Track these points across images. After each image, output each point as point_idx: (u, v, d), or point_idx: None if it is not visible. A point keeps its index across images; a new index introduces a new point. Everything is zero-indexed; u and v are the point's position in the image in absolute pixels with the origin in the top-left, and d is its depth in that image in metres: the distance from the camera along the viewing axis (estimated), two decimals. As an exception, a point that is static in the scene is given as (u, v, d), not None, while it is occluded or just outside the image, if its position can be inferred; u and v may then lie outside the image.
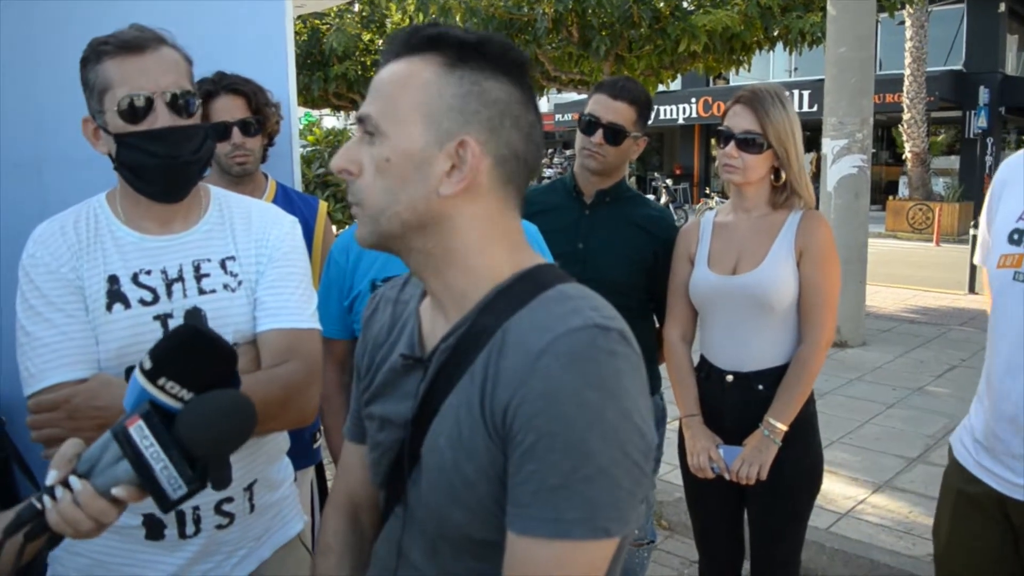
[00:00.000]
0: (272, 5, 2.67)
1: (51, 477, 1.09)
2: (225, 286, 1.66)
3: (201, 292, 1.64)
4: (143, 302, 1.60)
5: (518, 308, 1.07)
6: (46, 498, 1.07)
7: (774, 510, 2.50)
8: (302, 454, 2.70)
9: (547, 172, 26.36)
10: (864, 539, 4.04)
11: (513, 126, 1.11)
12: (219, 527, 1.67)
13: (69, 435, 1.45)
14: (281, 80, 2.69)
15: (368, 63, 13.03)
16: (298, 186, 2.86)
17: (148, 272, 1.62)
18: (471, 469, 1.05)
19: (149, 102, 1.54)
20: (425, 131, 1.07)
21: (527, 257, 1.16)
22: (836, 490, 4.56)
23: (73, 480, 1.07)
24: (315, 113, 17.19)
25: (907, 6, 12.15)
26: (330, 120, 19.53)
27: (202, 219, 1.71)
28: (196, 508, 1.63)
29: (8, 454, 2.15)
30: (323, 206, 2.77)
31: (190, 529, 1.64)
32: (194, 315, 1.62)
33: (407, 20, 11.86)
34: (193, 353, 1.08)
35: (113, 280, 1.60)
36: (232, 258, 1.69)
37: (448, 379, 1.10)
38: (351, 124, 22.35)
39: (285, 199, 2.65)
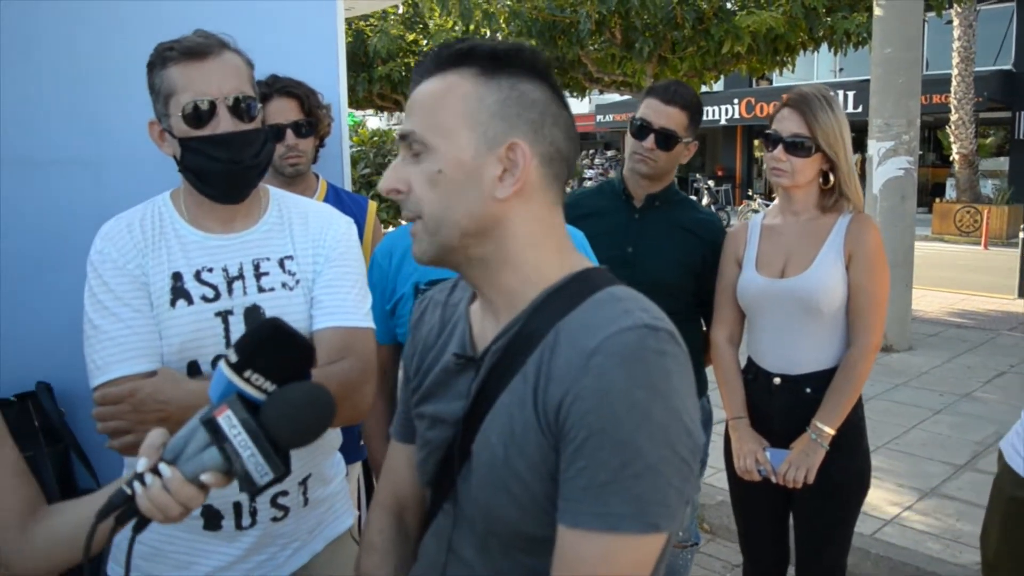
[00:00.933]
0: (324, 8, 2.72)
1: (141, 464, 1.13)
2: (283, 284, 1.71)
3: (260, 290, 1.68)
4: (205, 299, 1.65)
5: (569, 309, 1.10)
6: (136, 484, 1.12)
7: (821, 514, 2.49)
8: (351, 449, 2.75)
9: (588, 173, 26.31)
10: (910, 546, 4.00)
11: (554, 124, 1.14)
12: (274, 519, 1.71)
13: (133, 427, 1.51)
14: (332, 82, 2.74)
15: (411, 63, 13.13)
16: (348, 186, 2.91)
17: (210, 270, 1.67)
18: (523, 465, 1.08)
19: (212, 107, 1.59)
20: (473, 139, 1.10)
21: (576, 260, 1.19)
22: (881, 496, 4.52)
23: (162, 467, 1.11)
24: (358, 114, 17.32)
25: (955, 5, 11.98)
26: (374, 121, 19.69)
27: (262, 219, 1.76)
28: (253, 501, 1.68)
29: (67, 444, 2.22)
30: (372, 205, 2.81)
31: (246, 521, 1.68)
32: (253, 313, 1.66)
33: (450, 23, 11.94)
34: (276, 347, 1.12)
35: (177, 277, 1.65)
36: (290, 257, 1.73)
37: (500, 378, 1.13)
38: (394, 124, 22.52)
39: (335, 199, 2.70)
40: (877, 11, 7.93)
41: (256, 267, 1.70)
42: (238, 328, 1.65)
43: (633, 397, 0.99)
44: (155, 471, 1.12)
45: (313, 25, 2.71)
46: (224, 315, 1.65)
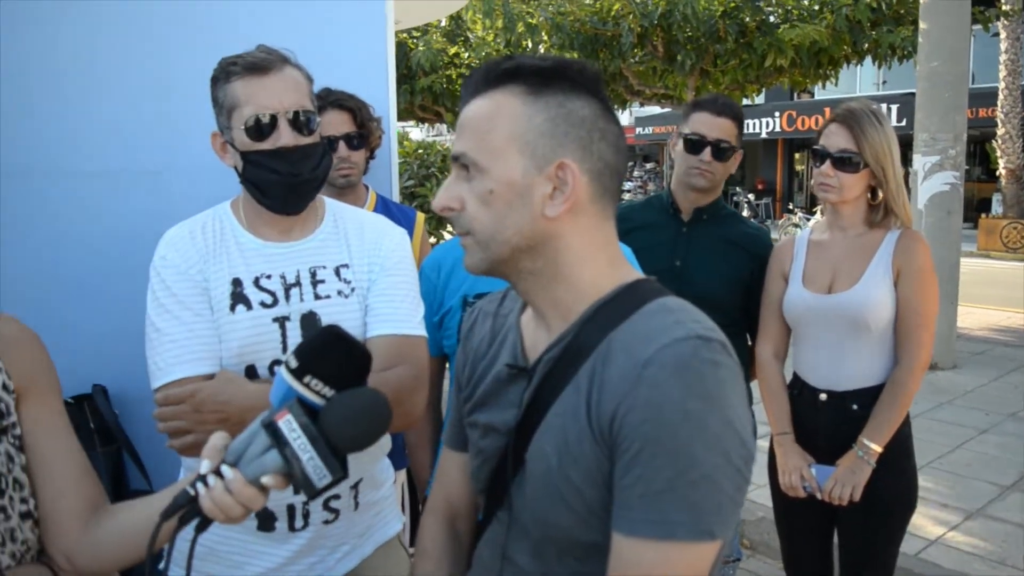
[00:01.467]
0: (374, 22, 2.76)
1: (204, 466, 1.16)
2: (339, 292, 1.74)
3: (317, 297, 1.72)
4: (263, 304, 1.69)
5: (621, 320, 1.11)
6: (199, 485, 1.15)
7: (866, 533, 2.47)
8: (396, 457, 2.78)
9: (627, 185, 26.25)
10: (955, 567, 3.93)
11: (602, 140, 1.15)
12: (325, 522, 1.74)
13: (193, 428, 1.56)
14: (382, 95, 2.78)
15: (453, 76, 13.21)
16: (396, 197, 2.95)
17: (268, 276, 1.71)
18: (577, 474, 1.09)
19: (273, 120, 1.63)
20: (522, 159, 1.12)
21: (627, 272, 1.20)
22: (926, 516, 4.45)
23: (225, 469, 1.15)
24: (399, 125, 17.47)
25: (1002, 18, 11.80)
26: (416, 133, 19.86)
27: (318, 228, 1.80)
28: (306, 503, 1.71)
29: (121, 445, 2.27)
30: (420, 217, 2.84)
31: (299, 523, 1.72)
32: (309, 319, 1.70)
33: (491, 36, 12.01)
34: (335, 354, 1.15)
35: (237, 283, 1.69)
36: (346, 266, 1.77)
37: (552, 388, 1.15)
38: (435, 136, 22.60)
39: (384, 210, 2.74)
40: (923, 24, 7.84)
41: (313, 275, 1.74)
42: (295, 333, 1.69)
43: (687, 407, 1.00)
44: (217, 473, 1.15)
45: (363, 39, 2.75)
46: (282, 321, 1.69)
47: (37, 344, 1.36)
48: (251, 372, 1.68)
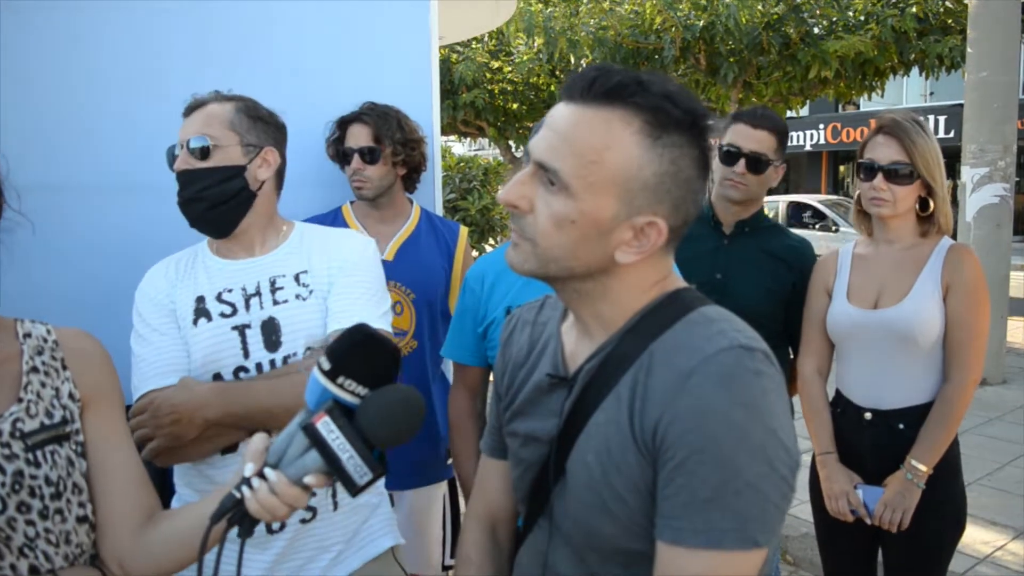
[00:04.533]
0: (418, 39, 2.80)
1: (248, 469, 1.20)
2: (297, 296, 1.84)
3: (275, 303, 1.83)
4: (223, 315, 1.81)
5: (663, 330, 1.12)
6: (244, 488, 1.19)
7: (914, 555, 2.41)
8: (438, 468, 2.79)
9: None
10: (1005, 587, 3.85)
11: (694, 200, 1.14)
12: (303, 521, 1.79)
13: (154, 433, 1.67)
14: (426, 111, 2.81)
15: (495, 91, 13.27)
16: (439, 211, 2.97)
17: (230, 290, 1.84)
18: (620, 483, 1.10)
19: (173, 149, 1.87)
20: (618, 204, 1.09)
21: (670, 280, 1.20)
22: (974, 534, 4.35)
23: (268, 471, 1.18)
24: (442, 140, 17.60)
25: (1054, 27, 11.59)
26: (458, 147, 19.97)
27: (282, 245, 1.92)
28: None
29: None
30: (463, 231, 2.87)
31: (275, 524, 1.76)
32: (269, 325, 1.80)
33: (533, 52, 12.06)
34: (365, 352, 1.17)
35: (200, 300, 1.83)
36: (305, 272, 1.87)
37: (594, 398, 1.15)
38: (477, 151, 22.65)
39: (428, 224, 2.77)
40: (971, 33, 7.72)
41: (272, 283, 1.84)
42: (255, 340, 1.79)
43: (732, 417, 1.01)
44: (261, 475, 1.19)
45: (408, 54, 2.79)
46: (241, 329, 1.79)
47: (104, 357, 1.45)
48: (218, 380, 1.78)
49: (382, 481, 2.01)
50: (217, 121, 1.83)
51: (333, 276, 1.86)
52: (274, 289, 1.83)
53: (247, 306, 1.82)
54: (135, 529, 1.36)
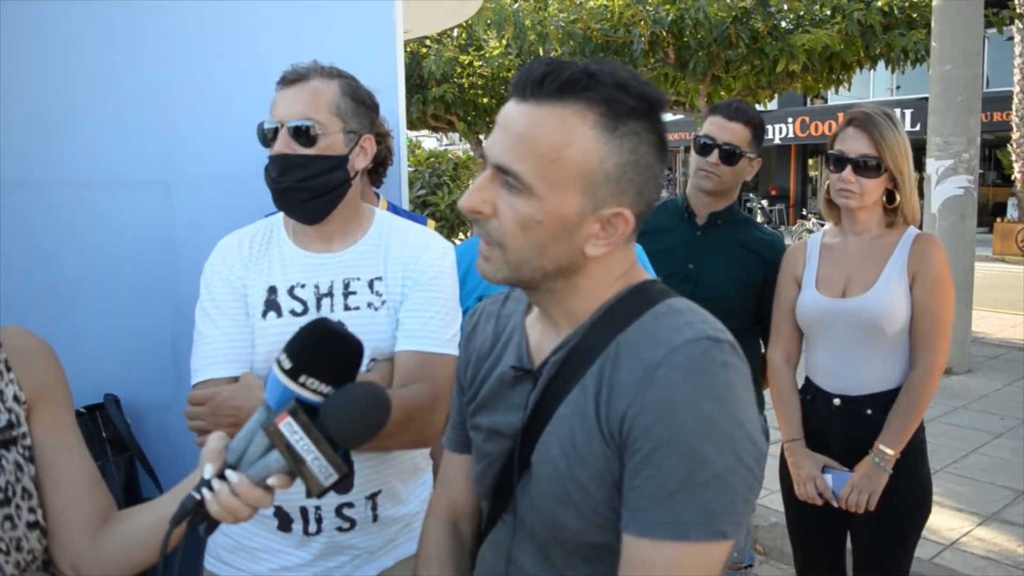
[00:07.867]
0: (383, 32, 2.77)
1: (207, 471, 1.15)
2: (369, 304, 1.77)
3: (347, 308, 1.75)
4: (293, 313, 1.73)
5: (630, 322, 1.12)
6: (204, 490, 1.15)
7: (880, 538, 2.45)
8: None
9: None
10: (970, 572, 3.91)
11: (654, 184, 1.13)
12: (340, 529, 1.75)
13: (212, 429, 1.58)
14: (391, 105, 2.78)
15: (466, 85, 13.21)
16: (406, 206, 2.96)
17: (303, 286, 1.76)
18: (585, 476, 1.10)
19: (275, 130, 1.72)
20: (582, 199, 1.08)
21: (635, 273, 1.20)
22: (940, 520, 4.43)
23: (230, 473, 1.14)
24: (412, 135, 17.53)
25: (1016, 21, 11.74)
26: (429, 142, 19.92)
27: (360, 240, 1.82)
28: (318, 508, 1.73)
29: (133, 454, 2.29)
30: (431, 224, 2.85)
31: (312, 527, 1.73)
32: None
33: (503, 46, 12.03)
34: (328, 350, 1.14)
35: (272, 290, 1.75)
36: (380, 278, 1.79)
37: (559, 390, 1.15)
38: (447, 145, 22.58)
39: (395, 218, 2.75)
40: (936, 28, 7.82)
41: (346, 286, 1.77)
42: None
43: (699, 408, 1.01)
44: (222, 476, 1.15)
45: (372, 48, 2.76)
46: None
47: (50, 355, 1.36)
48: None
49: (428, 486, 1.96)
50: (323, 104, 1.71)
51: (408, 287, 1.78)
52: (347, 293, 1.76)
53: (318, 306, 1.74)
54: (89, 532, 1.31)
